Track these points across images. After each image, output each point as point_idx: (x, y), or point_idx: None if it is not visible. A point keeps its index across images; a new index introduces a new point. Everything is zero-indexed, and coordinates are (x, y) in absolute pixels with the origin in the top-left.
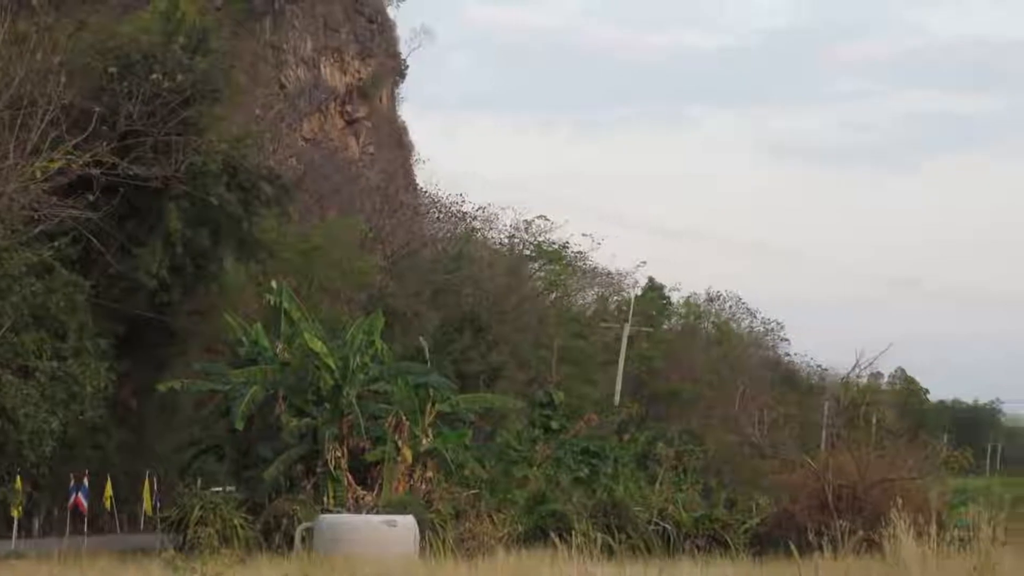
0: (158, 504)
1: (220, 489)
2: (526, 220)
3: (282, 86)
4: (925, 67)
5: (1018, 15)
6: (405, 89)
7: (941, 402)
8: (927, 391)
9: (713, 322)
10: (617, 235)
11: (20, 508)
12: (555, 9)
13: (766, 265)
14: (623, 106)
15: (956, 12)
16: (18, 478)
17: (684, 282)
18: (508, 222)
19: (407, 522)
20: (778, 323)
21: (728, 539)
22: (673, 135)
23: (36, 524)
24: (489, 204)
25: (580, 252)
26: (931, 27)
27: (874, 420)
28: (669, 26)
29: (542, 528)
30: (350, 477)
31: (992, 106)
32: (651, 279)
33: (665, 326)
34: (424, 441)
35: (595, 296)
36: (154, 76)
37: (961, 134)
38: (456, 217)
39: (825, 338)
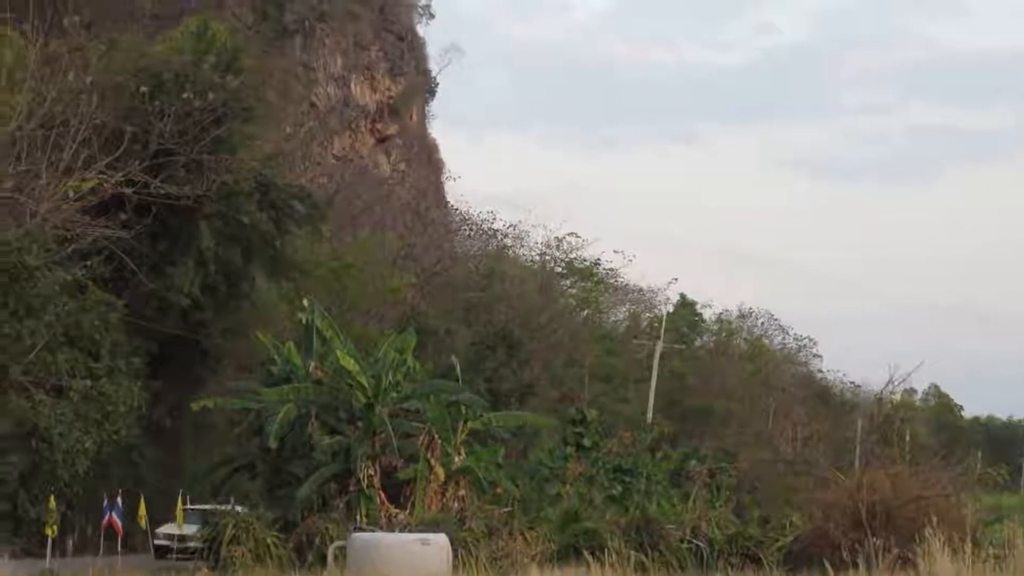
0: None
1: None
2: (557, 237)
3: (313, 104)
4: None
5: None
6: (435, 106)
7: (975, 418)
8: (961, 407)
9: (745, 339)
10: (638, 252)
11: (55, 527)
12: (575, 25)
13: (789, 281)
14: (637, 123)
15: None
16: (51, 497)
17: (715, 299)
18: (539, 239)
19: (440, 540)
20: (811, 339)
21: (762, 556)
22: (690, 151)
23: (70, 543)
24: (520, 221)
25: (611, 269)
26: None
27: (908, 437)
28: (679, 41)
29: (575, 546)
30: (383, 495)
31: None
32: (683, 296)
33: (697, 343)
34: (457, 459)
35: (627, 313)
36: (185, 95)
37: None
38: (487, 234)
39: (858, 355)
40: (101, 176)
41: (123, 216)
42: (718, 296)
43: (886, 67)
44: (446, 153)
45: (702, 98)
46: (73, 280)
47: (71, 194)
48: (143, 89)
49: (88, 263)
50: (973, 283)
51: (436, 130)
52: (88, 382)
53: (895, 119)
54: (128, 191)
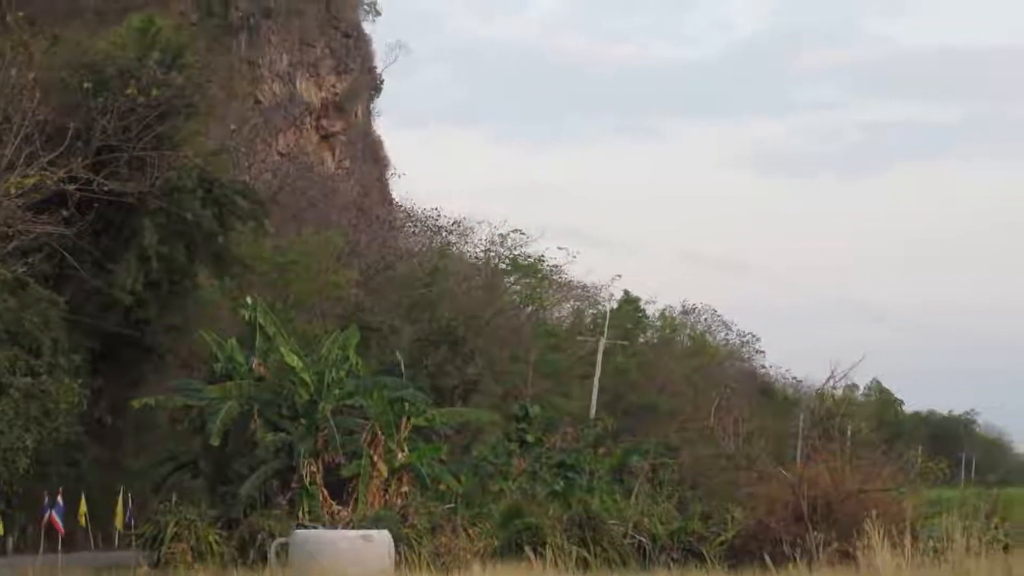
0: (132, 520)
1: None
2: (501, 234)
3: (257, 101)
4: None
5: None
6: (380, 104)
7: (916, 413)
8: (902, 402)
9: (689, 335)
10: (585, 248)
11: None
12: (527, 22)
13: (735, 277)
14: (594, 118)
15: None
16: None
17: (660, 294)
18: (483, 236)
19: (382, 537)
20: (753, 335)
21: (704, 551)
22: (643, 147)
23: (10, 542)
24: (464, 218)
25: (555, 266)
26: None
27: (849, 431)
28: (636, 37)
29: (518, 542)
30: (325, 492)
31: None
32: (626, 292)
33: (641, 339)
34: (399, 455)
35: (571, 309)
36: (129, 91)
37: (926, 143)
38: (431, 231)
39: (799, 350)
40: (43, 172)
41: (65, 213)
42: (666, 291)
43: (839, 63)
44: (394, 150)
45: (661, 93)
46: (14, 277)
47: (12, 191)
48: (86, 85)
49: (29, 260)
50: (916, 278)
51: (384, 127)
52: (29, 379)
53: (848, 115)
54: (71, 187)
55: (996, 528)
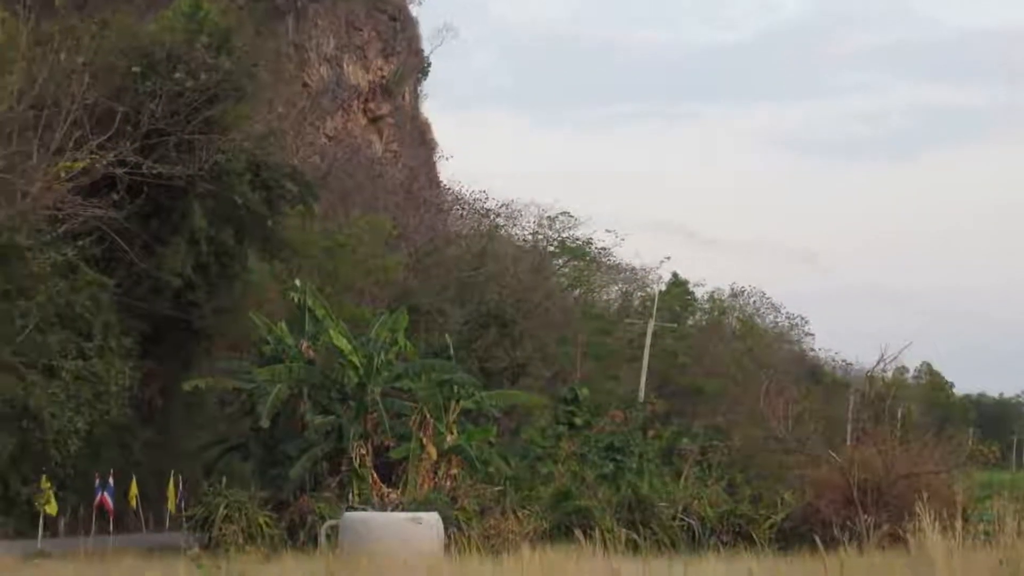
0: (183, 503)
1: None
2: (549, 216)
3: (305, 84)
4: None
5: None
6: (428, 86)
7: (967, 396)
8: (953, 385)
9: (738, 317)
10: (631, 232)
11: (55, 505)
12: (567, 5)
13: (782, 261)
14: (636, 102)
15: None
16: (45, 476)
17: (708, 278)
18: (531, 218)
19: (432, 519)
20: (802, 318)
21: (753, 534)
22: (687, 130)
23: (62, 523)
24: (512, 200)
25: (604, 248)
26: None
27: (899, 414)
28: (677, 21)
29: (567, 524)
30: (375, 474)
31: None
32: (675, 275)
33: (690, 322)
34: (449, 438)
35: (619, 292)
36: (177, 75)
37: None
38: (480, 214)
39: (850, 333)
40: (92, 156)
41: (115, 196)
42: (711, 275)
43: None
44: (440, 133)
45: (700, 78)
46: (64, 260)
47: (62, 175)
48: (135, 69)
49: (79, 243)
50: (967, 261)
51: (429, 110)
52: (79, 362)
53: (888, 98)
54: (120, 171)
55: None
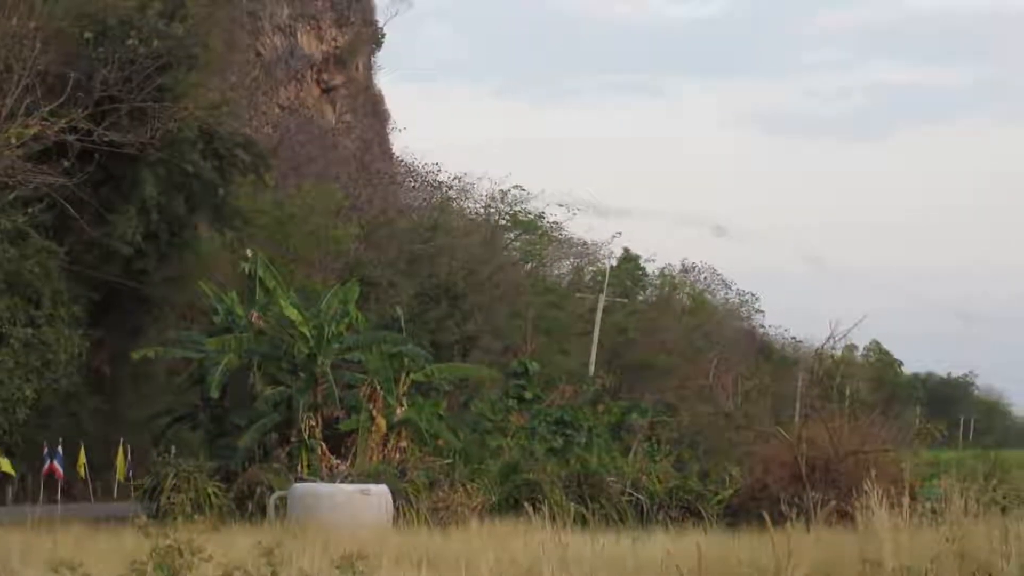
0: (131, 472)
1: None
2: (502, 190)
3: (258, 53)
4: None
5: None
6: (382, 57)
7: (915, 375)
8: (901, 363)
9: (688, 293)
10: (585, 206)
11: (6, 462)
12: None
13: (736, 237)
14: (595, 75)
15: None
16: None
17: (657, 254)
18: (484, 192)
19: (381, 491)
20: (753, 295)
21: (701, 510)
22: (645, 104)
23: (10, 492)
24: (465, 174)
25: (555, 222)
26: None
27: (848, 392)
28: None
29: (515, 498)
30: (324, 446)
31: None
32: (626, 250)
33: (640, 297)
34: (398, 410)
35: (570, 266)
36: (130, 42)
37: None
38: (432, 186)
39: (799, 310)
40: (43, 123)
41: (65, 163)
42: (664, 250)
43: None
44: (393, 105)
45: (667, 51)
46: (14, 227)
47: (13, 141)
48: (87, 35)
49: (29, 210)
50: (915, 242)
51: (383, 82)
52: (28, 330)
53: (856, 76)
54: (71, 138)
55: (994, 490)
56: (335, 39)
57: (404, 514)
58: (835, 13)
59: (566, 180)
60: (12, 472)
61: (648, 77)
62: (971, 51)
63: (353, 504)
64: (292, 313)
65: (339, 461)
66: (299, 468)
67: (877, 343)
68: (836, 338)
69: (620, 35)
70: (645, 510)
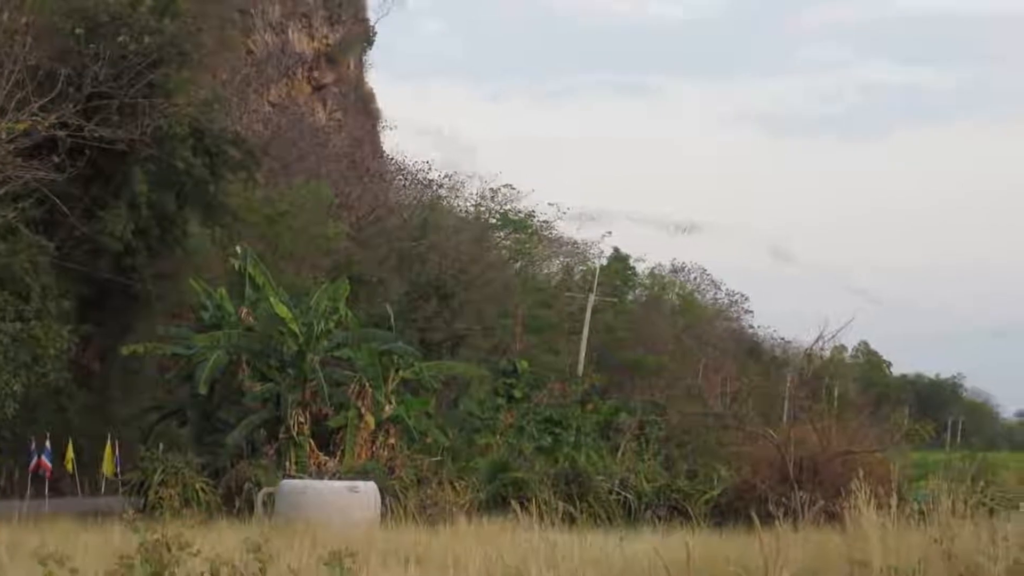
0: (119, 467)
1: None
2: (492, 188)
3: (249, 51)
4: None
5: None
6: (373, 56)
7: (903, 376)
8: (890, 364)
9: (678, 293)
10: (576, 204)
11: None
12: None
13: (727, 236)
14: (588, 73)
15: None
16: None
17: (648, 254)
18: (474, 190)
19: (369, 488)
20: (742, 295)
21: (689, 509)
22: (637, 104)
23: None
24: (455, 172)
25: (546, 221)
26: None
27: (836, 393)
28: None
29: (504, 496)
30: (312, 443)
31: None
32: (616, 249)
33: (630, 297)
34: (387, 408)
35: (560, 265)
36: (121, 38)
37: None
38: (422, 184)
39: (789, 311)
40: (34, 118)
41: (56, 159)
42: (655, 250)
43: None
44: (384, 103)
45: (661, 50)
46: (4, 222)
47: (3, 136)
48: (78, 31)
49: (19, 206)
50: (912, 243)
51: (375, 80)
52: (17, 324)
53: (852, 75)
54: (61, 134)
55: (981, 492)
56: (326, 37)
57: (392, 511)
58: (834, 10)
59: (559, 180)
60: None
61: (643, 76)
62: (965, 53)
63: (341, 501)
64: (281, 310)
65: (327, 458)
66: (287, 464)
67: (866, 344)
68: (825, 339)
69: (617, 34)
70: (633, 509)
